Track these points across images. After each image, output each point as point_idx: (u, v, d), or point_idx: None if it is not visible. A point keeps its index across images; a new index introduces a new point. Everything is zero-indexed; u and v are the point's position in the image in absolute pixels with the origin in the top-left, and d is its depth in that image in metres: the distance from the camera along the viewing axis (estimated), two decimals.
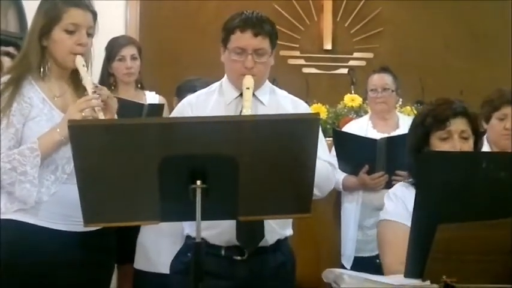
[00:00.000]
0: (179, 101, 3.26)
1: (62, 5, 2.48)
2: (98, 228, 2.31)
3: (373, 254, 3.70)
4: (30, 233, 2.45)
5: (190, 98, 2.79)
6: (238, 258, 2.62)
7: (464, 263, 1.78)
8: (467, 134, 2.52)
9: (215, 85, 2.79)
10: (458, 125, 2.51)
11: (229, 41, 2.64)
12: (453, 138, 2.50)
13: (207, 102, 2.72)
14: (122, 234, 2.75)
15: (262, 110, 2.67)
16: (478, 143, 2.57)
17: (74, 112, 2.39)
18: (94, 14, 2.54)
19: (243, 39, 2.61)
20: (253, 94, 2.64)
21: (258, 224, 2.57)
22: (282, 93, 2.81)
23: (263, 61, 2.63)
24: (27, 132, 2.46)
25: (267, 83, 2.77)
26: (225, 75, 2.75)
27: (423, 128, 2.54)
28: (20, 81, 2.49)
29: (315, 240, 4.29)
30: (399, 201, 2.51)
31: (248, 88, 2.57)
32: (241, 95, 2.63)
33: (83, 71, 2.47)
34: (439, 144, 2.50)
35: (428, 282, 1.79)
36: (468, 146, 2.51)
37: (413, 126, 2.61)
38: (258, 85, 2.66)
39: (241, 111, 2.57)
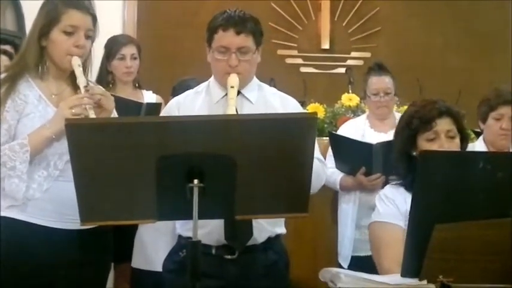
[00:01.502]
0: None
1: (62, 6, 2.50)
2: (94, 226, 2.31)
3: (370, 253, 3.70)
4: (23, 231, 2.46)
5: (178, 98, 2.80)
6: (229, 257, 2.62)
7: (461, 262, 1.78)
8: (454, 132, 2.54)
9: (203, 85, 2.80)
10: (444, 124, 2.52)
11: (213, 41, 2.65)
12: (440, 138, 2.51)
13: (194, 102, 2.73)
14: (119, 232, 2.75)
15: (249, 108, 2.67)
16: (464, 141, 2.58)
17: (64, 109, 2.41)
18: (94, 17, 2.55)
19: (225, 38, 2.61)
20: (240, 92, 2.65)
21: (246, 222, 2.56)
22: (270, 90, 2.81)
23: (247, 59, 2.63)
24: (21, 129, 2.47)
25: (255, 81, 2.76)
26: (212, 75, 2.76)
27: (409, 131, 2.55)
28: (16, 79, 2.51)
29: (311, 239, 4.29)
30: (390, 202, 2.52)
31: (233, 87, 2.58)
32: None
33: (78, 70, 2.49)
34: (426, 145, 2.51)
35: (425, 282, 1.79)
36: (455, 145, 2.53)
37: (399, 129, 2.63)
38: (244, 83, 2.66)
39: None
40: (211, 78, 2.76)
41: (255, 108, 2.67)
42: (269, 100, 2.73)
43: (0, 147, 2.42)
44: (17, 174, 2.42)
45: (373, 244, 2.55)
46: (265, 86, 2.82)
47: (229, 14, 2.65)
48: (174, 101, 2.81)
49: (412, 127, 2.55)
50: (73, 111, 2.40)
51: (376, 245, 2.52)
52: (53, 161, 2.48)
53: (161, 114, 2.89)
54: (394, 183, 2.61)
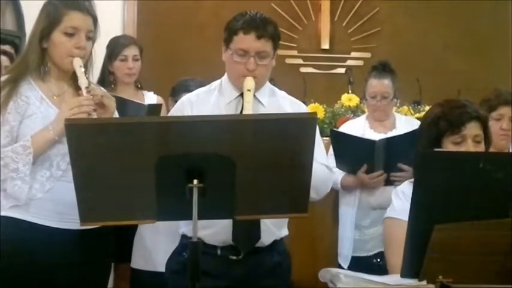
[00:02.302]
0: (174, 101, 3.25)
1: (63, 8, 2.51)
2: (95, 227, 2.31)
3: (371, 253, 3.71)
4: (25, 230, 2.47)
5: (190, 96, 2.77)
6: (234, 258, 2.62)
7: (461, 262, 1.78)
8: (480, 137, 2.50)
9: (215, 84, 2.77)
10: (473, 129, 2.49)
11: (232, 42, 2.63)
12: (467, 143, 2.47)
13: (207, 101, 2.71)
14: (119, 233, 2.75)
15: (261, 112, 2.65)
16: (486, 144, 2.56)
17: (66, 111, 2.42)
18: (94, 18, 2.56)
19: (246, 41, 2.60)
20: (254, 95, 2.63)
21: (254, 225, 2.57)
22: (282, 94, 2.81)
23: (265, 64, 2.62)
24: (23, 130, 2.48)
25: (267, 84, 2.76)
26: (225, 74, 2.75)
27: (436, 131, 2.50)
28: (18, 81, 2.52)
29: (312, 239, 4.29)
30: (407, 199, 2.49)
31: (249, 90, 2.57)
32: (241, 95, 2.62)
33: (79, 72, 2.50)
34: (452, 147, 2.47)
35: (424, 282, 1.79)
36: (481, 149, 2.48)
37: (425, 127, 2.58)
38: (258, 87, 2.65)
39: (241, 112, 2.57)
40: (224, 78, 2.74)
41: (267, 111, 2.65)
42: (281, 104, 2.73)
43: (3, 149, 2.43)
44: (20, 176, 2.42)
45: (386, 240, 2.54)
46: (277, 90, 2.81)
47: (251, 16, 2.63)
48: (186, 99, 2.77)
49: (438, 128, 2.50)
50: (72, 111, 2.41)
51: (387, 240, 2.51)
52: (56, 162, 2.49)
53: (171, 113, 2.86)
54: (412, 180, 2.57)
